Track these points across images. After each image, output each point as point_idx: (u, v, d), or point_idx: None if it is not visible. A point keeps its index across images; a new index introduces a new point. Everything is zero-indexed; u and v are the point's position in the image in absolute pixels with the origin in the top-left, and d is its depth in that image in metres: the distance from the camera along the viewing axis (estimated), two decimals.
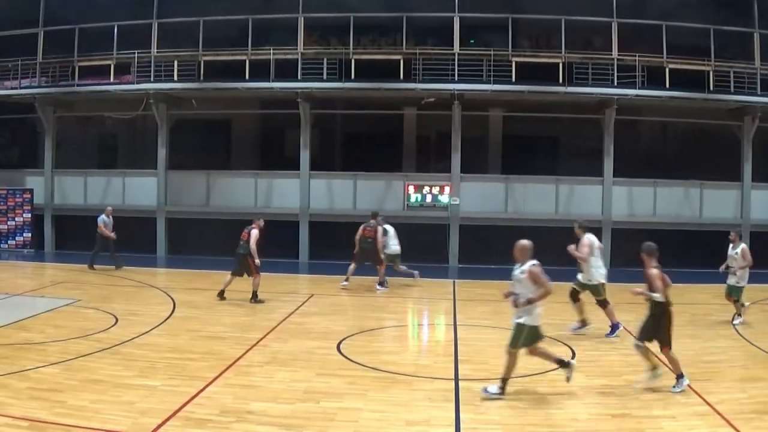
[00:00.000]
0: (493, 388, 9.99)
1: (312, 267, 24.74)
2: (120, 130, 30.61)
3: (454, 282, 21.58)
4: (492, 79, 24.31)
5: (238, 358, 11.84)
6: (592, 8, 25.14)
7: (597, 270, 13.88)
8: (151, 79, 26.01)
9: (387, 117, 27.77)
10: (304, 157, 26.32)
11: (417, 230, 24.57)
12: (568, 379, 10.33)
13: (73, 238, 24.66)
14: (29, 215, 27.68)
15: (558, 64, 24.31)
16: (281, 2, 25.94)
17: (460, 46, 25.11)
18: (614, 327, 13.92)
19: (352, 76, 24.75)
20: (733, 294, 15.53)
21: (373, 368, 11.49)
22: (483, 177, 26.53)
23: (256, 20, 25.47)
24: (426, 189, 25.85)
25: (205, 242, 26.09)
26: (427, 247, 24.70)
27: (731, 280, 15.51)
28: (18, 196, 28.05)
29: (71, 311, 16.20)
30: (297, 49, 25.50)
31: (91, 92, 26.78)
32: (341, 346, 13.06)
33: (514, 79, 24.25)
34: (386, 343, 13.48)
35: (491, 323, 15.35)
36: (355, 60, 24.86)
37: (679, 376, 10.31)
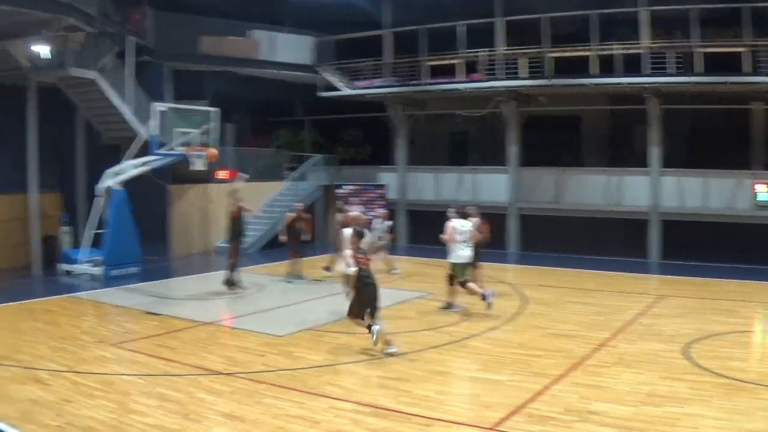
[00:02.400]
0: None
1: (662, 267, 23.54)
2: (469, 128, 31.29)
3: None
4: None
5: (586, 358, 11.50)
6: None
7: (455, 252, 15.33)
8: (500, 77, 26.26)
9: (733, 112, 25.63)
10: (653, 153, 25.05)
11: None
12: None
13: (425, 232, 25.35)
14: (383, 210, 28.98)
15: None
16: None
17: None
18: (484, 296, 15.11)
19: (697, 70, 23.21)
20: None
21: (718, 374, 10.87)
22: None
23: (600, 15, 24.66)
24: None
25: (555, 239, 25.71)
26: None
27: None
28: (372, 191, 29.66)
29: (422, 304, 16.75)
30: (641, 43, 24.41)
31: (440, 91, 27.74)
32: (688, 349, 12.41)
33: None
34: (734, 349, 12.49)
35: None
36: (700, 53, 23.30)
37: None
